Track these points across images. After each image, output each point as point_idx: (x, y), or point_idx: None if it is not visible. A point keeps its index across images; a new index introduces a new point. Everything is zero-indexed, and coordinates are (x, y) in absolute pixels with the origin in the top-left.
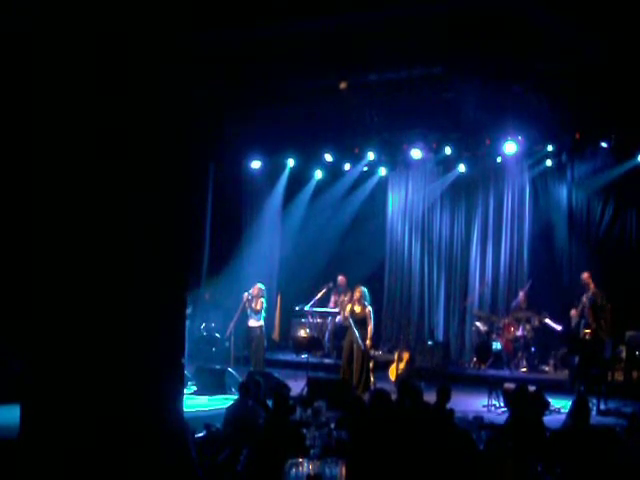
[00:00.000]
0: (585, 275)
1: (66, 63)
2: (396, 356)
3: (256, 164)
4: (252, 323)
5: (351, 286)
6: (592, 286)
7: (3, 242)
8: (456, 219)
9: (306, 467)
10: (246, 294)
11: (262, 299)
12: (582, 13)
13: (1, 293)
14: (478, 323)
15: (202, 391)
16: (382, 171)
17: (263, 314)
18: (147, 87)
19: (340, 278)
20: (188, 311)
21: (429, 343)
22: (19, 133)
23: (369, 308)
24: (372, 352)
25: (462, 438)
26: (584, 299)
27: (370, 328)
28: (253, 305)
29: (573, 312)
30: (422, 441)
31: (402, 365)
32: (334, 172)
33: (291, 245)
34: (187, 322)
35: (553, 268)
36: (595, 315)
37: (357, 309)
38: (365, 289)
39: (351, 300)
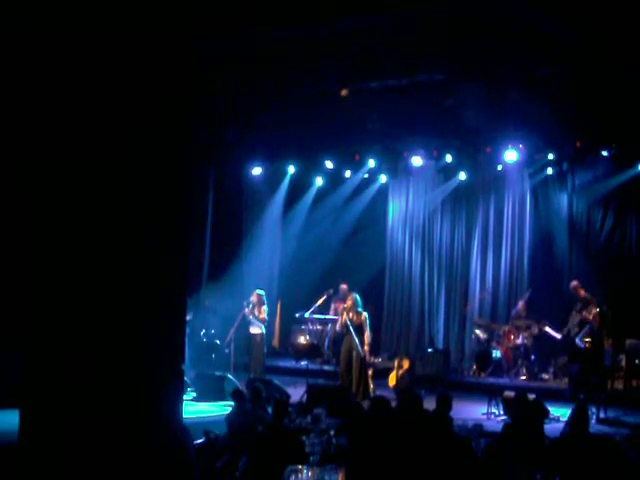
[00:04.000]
0: (574, 283)
1: (66, 63)
2: (396, 363)
3: (257, 171)
4: (253, 330)
5: None
6: (583, 293)
7: (2, 245)
8: (457, 227)
9: (305, 474)
10: (247, 310)
11: (264, 306)
12: (584, 20)
13: (0, 296)
14: (478, 331)
15: (201, 397)
16: (383, 178)
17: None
18: (147, 91)
19: (342, 286)
20: (188, 317)
21: (429, 350)
22: (18, 133)
23: (364, 314)
24: (371, 359)
25: (461, 446)
26: (579, 306)
27: (367, 334)
28: (256, 313)
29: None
30: (421, 449)
31: (402, 372)
32: (335, 179)
33: (291, 252)
34: (187, 329)
35: (553, 276)
36: (602, 322)
37: (352, 316)
38: (357, 296)
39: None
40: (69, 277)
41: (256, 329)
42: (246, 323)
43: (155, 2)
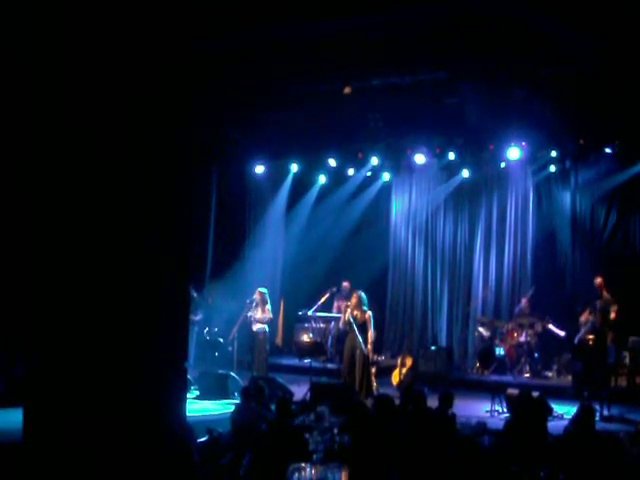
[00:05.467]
0: (599, 280)
1: (66, 63)
2: (399, 361)
3: (260, 169)
4: (256, 328)
5: None
6: (605, 293)
7: (3, 245)
8: (460, 224)
9: (309, 472)
10: (250, 314)
11: (268, 305)
12: (585, 17)
13: (2, 297)
14: (481, 328)
15: (205, 395)
16: (386, 176)
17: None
18: (148, 89)
19: (345, 284)
20: (198, 317)
21: (432, 348)
22: (19, 134)
23: (369, 313)
24: (374, 357)
25: (465, 443)
26: (598, 305)
27: (370, 333)
28: (260, 311)
29: (583, 318)
30: (425, 446)
31: (405, 370)
32: (338, 177)
33: (294, 250)
34: (196, 328)
35: (556, 273)
36: (603, 320)
37: (356, 314)
38: (363, 294)
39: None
40: (70, 276)
41: (259, 327)
42: (248, 321)
43: (155, 2)
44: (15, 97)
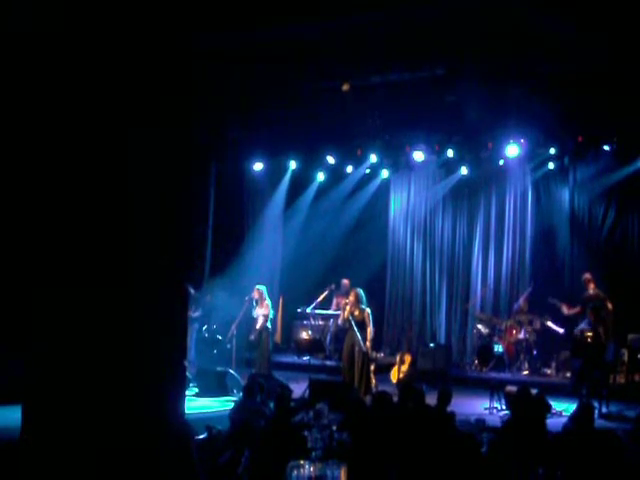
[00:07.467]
0: (586, 276)
1: (66, 63)
2: (398, 358)
3: (258, 166)
4: (259, 326)
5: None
6: (592, 286)
7: (3, 242)
8: (458, 221)
9: (307, 469)
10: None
11: (266, 301)
12: (584, 15)
13: (2, 294)
14: (480, 326)
15: (203, 393)
16: (384, 173)
17: (271, 315)
18: (147, 88)
19: (344, 281)
20: (197, 313)
21: (431, 345)
22: (19, 133)
23: (367, 310)
24: (373, 354)
25: (464, 441)
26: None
27: (369, 330)
28: (259, 309)
29: (565, 308)
30: (424, 443)
31: (404, 367)
32: (336, 174)
33: (293, 247)
34: (196, 325)
35: (555, 271)
36: (597, 317)
37: (354, 312)
38: (361, 291)
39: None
40: (69, 274)
41: (261, 325)
42: (247, 319)
43: (155, 1)
44: (15, 97)
